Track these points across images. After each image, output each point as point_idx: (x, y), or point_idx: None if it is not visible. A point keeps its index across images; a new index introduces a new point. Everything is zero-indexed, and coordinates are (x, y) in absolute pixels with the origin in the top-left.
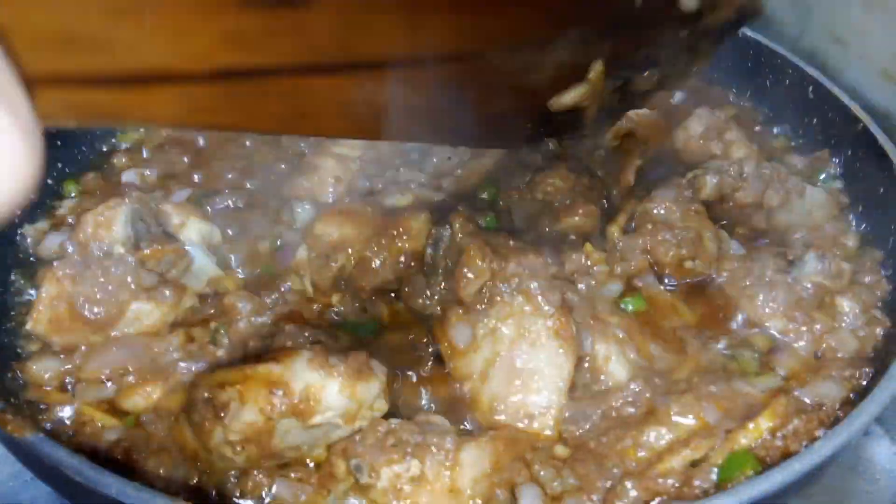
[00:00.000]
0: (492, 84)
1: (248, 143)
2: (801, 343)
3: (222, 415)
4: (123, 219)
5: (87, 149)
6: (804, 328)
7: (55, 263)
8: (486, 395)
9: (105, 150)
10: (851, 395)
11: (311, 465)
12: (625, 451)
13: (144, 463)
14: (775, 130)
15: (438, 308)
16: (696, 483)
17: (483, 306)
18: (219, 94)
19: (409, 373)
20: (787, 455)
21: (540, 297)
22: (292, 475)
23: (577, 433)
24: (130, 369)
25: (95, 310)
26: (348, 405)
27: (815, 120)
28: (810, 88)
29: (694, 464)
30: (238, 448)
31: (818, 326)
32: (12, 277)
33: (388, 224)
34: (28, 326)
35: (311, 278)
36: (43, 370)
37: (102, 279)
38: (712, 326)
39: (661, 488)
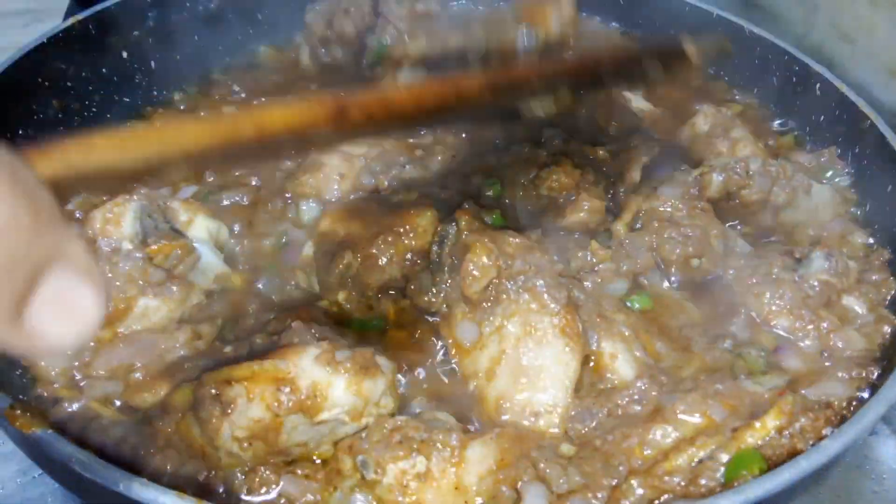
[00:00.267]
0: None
1: None
2: (808, 341)
3: (229, 411)
4: (132, 215)
5: None
6: (811, 326)
7: None
8: (492, 392)
9: None
10: (858, 393)
11: (318, 461)
12: (631, 449)
13: (151, 459)
14: (782, 128)
15: (444, 306)
16: (703, 481)
17: (489, 304)
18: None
19: (416, 370)
20: (793, 454)
21: (546, 295)
22: (299, 471)
23: (583, 431)
24: (138, 366)
25: None
26: (355, 402)
27: (821, 117)
28: (817, 85)
29: (700, 462)
30: (245, 444)
31: (825, 325)
32: None
33: (393, 222)
34: None
35: (318, 275)
36: (50, 366)
37: (110, 275)
38: (718, 325)
39: (667, 486)
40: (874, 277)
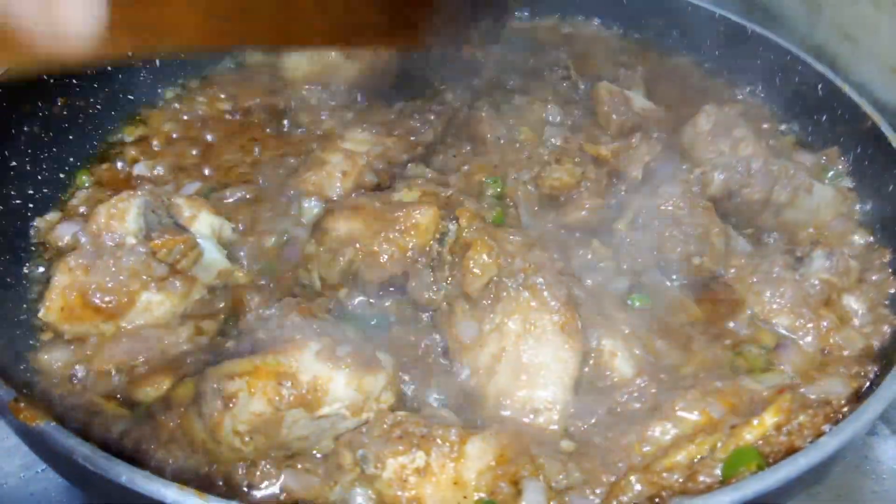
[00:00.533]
0: None
1: (255, 138)
2: (808, 340)
3: (231, 405)
4: (136, 210)
5: (98, 141)
6: (811, 325)
7: (68, 254)
8: (492, 389)
9: (115, 141)
10: (857, 392)
11: (319, 455)
12: (630, 446)
13: (154, 453)
14: (784, 127)
15: (445, 303)
16: (701, 478)
17: (489, 301)
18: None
19: (416, 366)
20: (791, 451)
21: (546, 293)
22: (299, 466)
23: (583, 428)
24: (141, 360)
25: (107, 298)
26: (355, 397)
27: (823, 117)
28: (819, 85)
29: (698, 459)
30: (246, 438)
31: (825, 323)
32: (25, 270)
33: (395, 219)
34: (40, 315)
35: (319, 272)
36: (54, 360)
37: (114, 269)
38: (719, 323)
39: (665, 483)
40: (874, 277)
